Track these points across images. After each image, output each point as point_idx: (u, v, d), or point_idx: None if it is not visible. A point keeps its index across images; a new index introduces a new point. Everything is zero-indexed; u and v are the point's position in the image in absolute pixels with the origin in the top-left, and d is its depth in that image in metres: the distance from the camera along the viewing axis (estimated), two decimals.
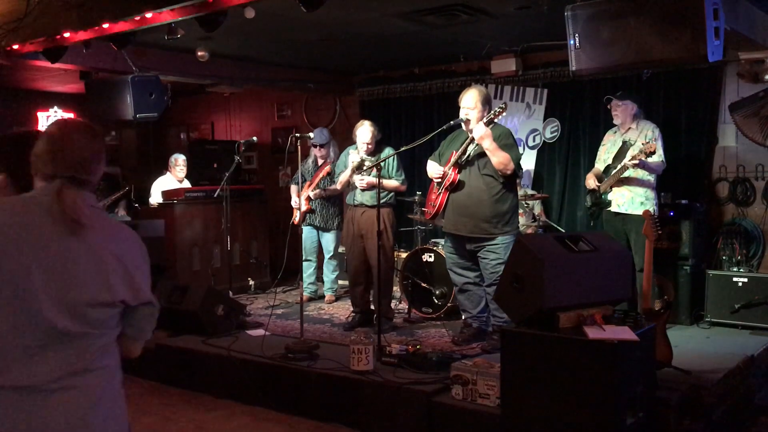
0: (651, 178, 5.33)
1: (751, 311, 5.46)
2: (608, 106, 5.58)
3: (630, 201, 5.32)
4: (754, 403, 4.58)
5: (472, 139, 4.87)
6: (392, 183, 5.62)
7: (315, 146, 6.64)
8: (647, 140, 5.27)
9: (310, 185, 6.62)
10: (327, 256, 6.97)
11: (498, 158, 4.76)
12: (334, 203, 6.83)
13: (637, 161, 5.10)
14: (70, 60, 5.67)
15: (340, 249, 6.94)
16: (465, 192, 4.94)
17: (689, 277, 5.68)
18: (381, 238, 5.05)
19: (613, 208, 5.39)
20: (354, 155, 5.70)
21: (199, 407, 4.75)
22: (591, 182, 5.58)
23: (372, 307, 5.77)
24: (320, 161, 6.72)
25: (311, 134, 6.13)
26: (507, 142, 4.86)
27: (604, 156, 5.64)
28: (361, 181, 5.53)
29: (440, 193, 5.06)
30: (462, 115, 4.92)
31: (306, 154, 6.72)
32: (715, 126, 6.11)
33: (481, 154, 4.86)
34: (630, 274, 3.85)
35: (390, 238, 5.61)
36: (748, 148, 5.93)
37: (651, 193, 5.33)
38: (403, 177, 5.68)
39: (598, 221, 5.64)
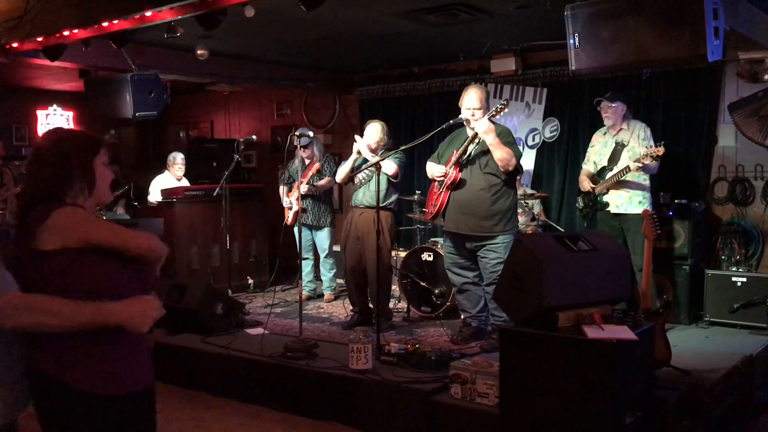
0: (647, 177, 5.34)
1: (750, 311, 5.46)
2: (598, 108, 5.58)
3: (628, 201, 5.33)
4: (753, 403, 4.59)
5: (473, 138, 4.86)
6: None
7: (300, 147, 6.62)
8: (640, 140, 5.29)
9: (300, 184, 6.61)
10: (322, 255, 6.95)
11: (501, 153, 4.76)
12: (324, 201, 6.83)
13: (641, 165, 5.11)
14: (69, 58, 5.67)
15: (335, 247, 6.92)
16: (466, 190, 4.93)
17: (688, 277, 5.68)
18: (379, 238, 5.04)
19: (612, 209, 5.40)
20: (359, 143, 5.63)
21: (198, 405, 4.76)
22: (586, 184, 5.58)
23: (370, 305, 5.77)
24: (307, 161, 6.72)
25: (310, 132, 6.12)
26: (507, 140, 4.86)
27: (594, 157, 5.64)
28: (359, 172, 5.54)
29: (441, 192, 5.05)
30: (467, 115, 4.90)
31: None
32: (715, 126, 6.11)
33: (483, 153, 4.86)
34: (629, 274, 3.85)
35: (387, 241, 5.60)
36: (748, 148, 5.93)
37: (647, 193, 5.35)
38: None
39: (592, 222, 5.64)
